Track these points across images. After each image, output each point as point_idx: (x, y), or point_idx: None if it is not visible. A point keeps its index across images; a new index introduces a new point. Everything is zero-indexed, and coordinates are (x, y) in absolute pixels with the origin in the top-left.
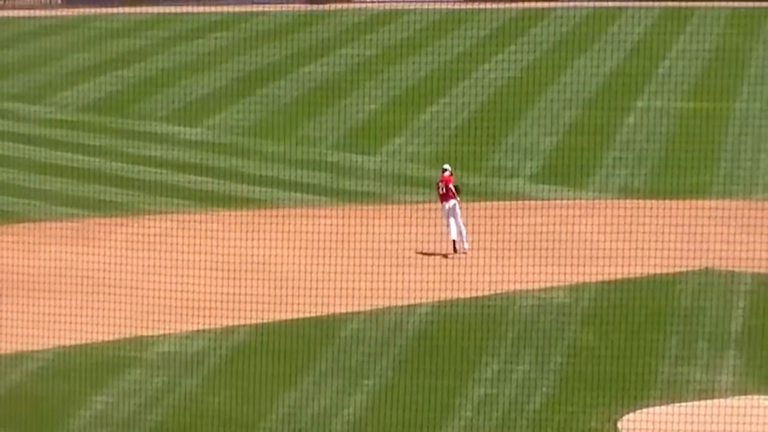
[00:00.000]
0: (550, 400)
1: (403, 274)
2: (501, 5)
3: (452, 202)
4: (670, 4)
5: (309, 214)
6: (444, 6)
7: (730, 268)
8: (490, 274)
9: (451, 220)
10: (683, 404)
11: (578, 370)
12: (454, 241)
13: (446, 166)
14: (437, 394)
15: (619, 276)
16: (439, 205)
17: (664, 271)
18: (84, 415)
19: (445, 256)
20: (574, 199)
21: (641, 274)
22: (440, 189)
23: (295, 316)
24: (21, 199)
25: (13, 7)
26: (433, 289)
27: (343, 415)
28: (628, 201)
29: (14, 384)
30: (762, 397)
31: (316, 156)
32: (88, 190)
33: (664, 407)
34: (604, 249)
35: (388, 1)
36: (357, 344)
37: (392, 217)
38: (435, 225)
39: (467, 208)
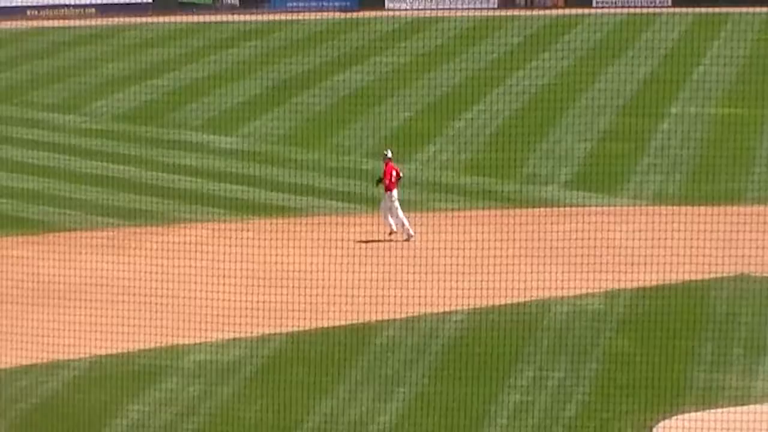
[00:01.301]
0: (585, 406)
1: (437, 281)
2: (534, 12)
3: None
4: (703, 10)
5: (343, 221)
6: (477, 13)
7: (765, 274)
8: (524, 281)
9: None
10: (718, 410)
11: (613, 377)
12: (392, 229)
13: (389, 153)
14: (472, 402)
15: (653, 282)
16: (384, 194)
17: (699, 277)
18: (120, 424)
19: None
20: (609, 205)
21: (676, 280)
22: (391, 177)
23: (330, 324)
24: (56, 208)
25: (48, 17)
26: (468, 296)
27: (377, 423)
28: (662, 207)
29: (50, 393)
30: None
31: (350, 164)
32: (122, 200)
33: (699, 413)
34: (639, 255)
35: (421, 9)
36: (392, 352)
37: (426, 224)
38: (466, 232)
39: (501, 215)
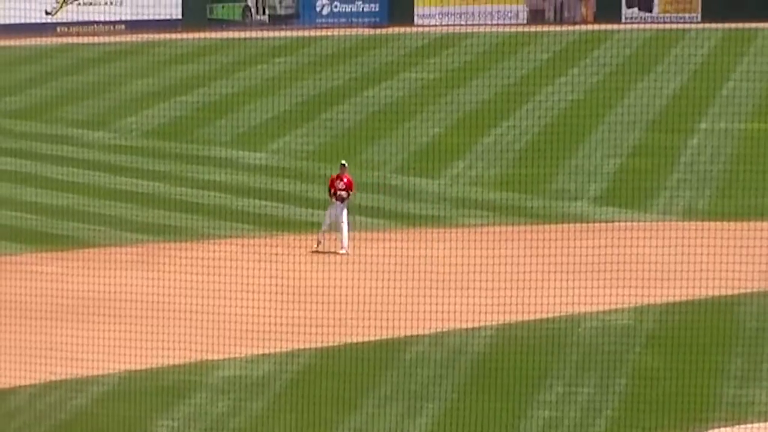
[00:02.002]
0: (614, 422)
1: (465, 296)
2: (563, 28)
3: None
4: (733, 25)
5: (372, 237)
6: (506, 29)
7: None
8: (553, 296)
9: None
10: (747, 426)
11: (642, 392)
12: (322, 236)
13: (345, 162)
14: (501, 417)
15: (682, 298)
16: (334, 203)
17: (728, 292)
18: None
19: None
20: (638, 221)
21: (705, 295)
22: (337, 185)
23: (359, 339)
24: (85, 224)
25: (77, 34)
26: (497, 312)
27: None
28: (691, 222)
29: (79, 409)
30: None
31: (378, 179)
32: (151, 216)
33: (728, 429)
34: (668, 271)
35: (450, 25)
36: (420, 367)
37: (455, 240)
38: (495, 247)
39: (530, 231)
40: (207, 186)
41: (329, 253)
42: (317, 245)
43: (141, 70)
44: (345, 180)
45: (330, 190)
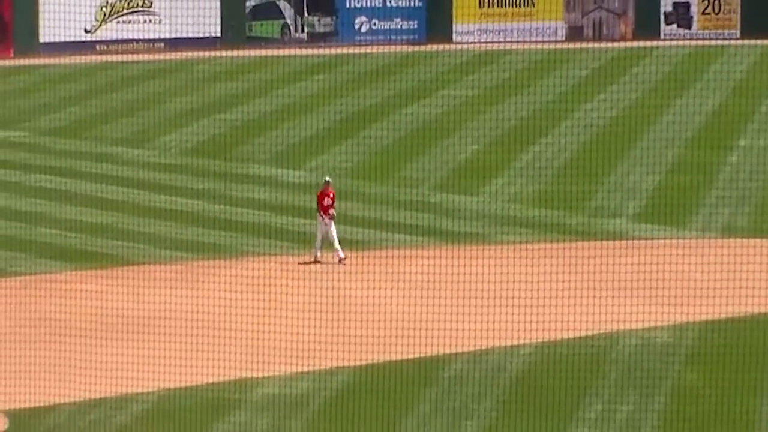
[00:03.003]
0: None
1: (505, 314)
2: (602, 44)
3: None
4: None
5: (411, 254)
6: (545, 46)
7: None
8: (592, 313)
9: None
10: None
11: (682, 410)
12: (319, 251)
13: (329, 178)
14: None
15: (722, 315)
16: (321, 218)
17: None
18: None
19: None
20: (677, 238)
21: (745, 313)
22: (325, 201)
23: (399, 357)
24: (125, 242)
25: (116, 52)
26: (536, 329)
27: None
28: (731, 240)
29: (120, 427)
30: None
31: (418, 197)
32: (191, 233)
33: None
34: (708, 288)
35: (489, 42)
36: (460, 385)
37: (494, 257)
38: (534, 265)
39: (569, 248)
40: (246, 204)
41: (368, 271)
42: (315, 260)
43: (180, 88)
44: (331, 195)
45: (320, 208)
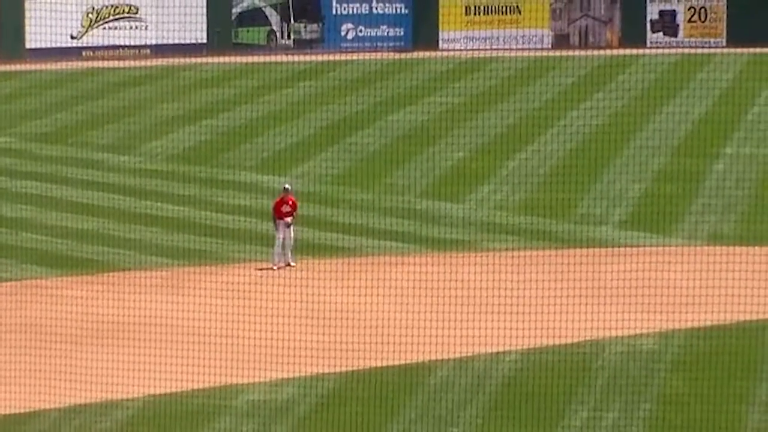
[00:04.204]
0: None
1: (491, 321)
2: (588, 52)
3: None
4: (758, 50)
5: (397, 261)
6: (531, 53)
7: None
8: (578, 321)
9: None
10: None
11: (667, 418)
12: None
13: (288, 185)
14: None
15: (708, 323)
16: (278, 222)
17: (754, 317)
18: None
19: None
20: (663, 245)
21: (731, 320)
22: (283, 208)
23: (383, 363)
24: (110, 248)
25: (103, 58)
26: (522, 336)
27: None
28: (717, 247)
29: None
30: None
31: (403, 204)
32: (177, 240)
33: None
34: (693, 296)
35: (475, 49)
36: (445, 392)
37: (480, 264)
38: (520, 272)
39: (555, 255)
40: (232, 210)
41: (354, 277)
42: (276, 267)
43: (166, 94)
44: (291, 202)
45: (275, 215)
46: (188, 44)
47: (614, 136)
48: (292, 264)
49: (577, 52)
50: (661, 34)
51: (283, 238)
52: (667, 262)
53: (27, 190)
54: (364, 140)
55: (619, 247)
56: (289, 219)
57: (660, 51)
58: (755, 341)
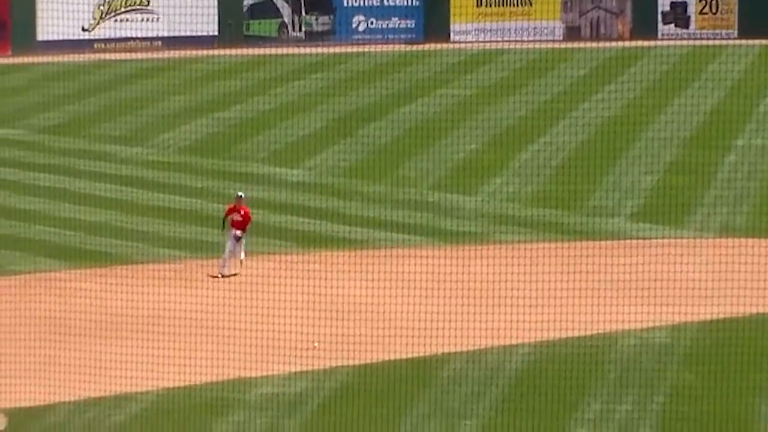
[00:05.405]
0: None
1: (503, 313)
2: (600, 44)
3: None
4: None
5: (409, 254)
6: (542, 45)
7: None
8: (590, 313)
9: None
10: None
11: (680, 410)
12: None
13: (242, 194)
14: None
15: (720, 315)
16: (231, 233)
17: (767, 310)
18: None
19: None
20: (675, 238)
21: (743, 313)
22: (234, 216)
23: (396, 356)
24: (122, 241)
25: (114, 50)
26: (534, 329)
27: None
28: (728, 239)
29: (118, 425)
30: None
31: (415, 196)
32: (189, 232)
33: None
34: (705, 288)
35: (486, 41)
36: (458, 385)
37: (492, 256)
38: (532, 264)
39: (567, 248)
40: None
41: (366, 270)
42: (221, 274)
43: (177, 87)
44: (242, 212)
45: (225, 220)
46: (200, 36)
47: (626, 127)
48: (233, 272)
49: (588, 44)
50: (672, 25)
51: (233, 247)
52: (679, 254)
53: (39, 182)
54: (375, 132)
55: (630, 239)
56: (239, 232)
57: (671, 43)
58: (767, 334)
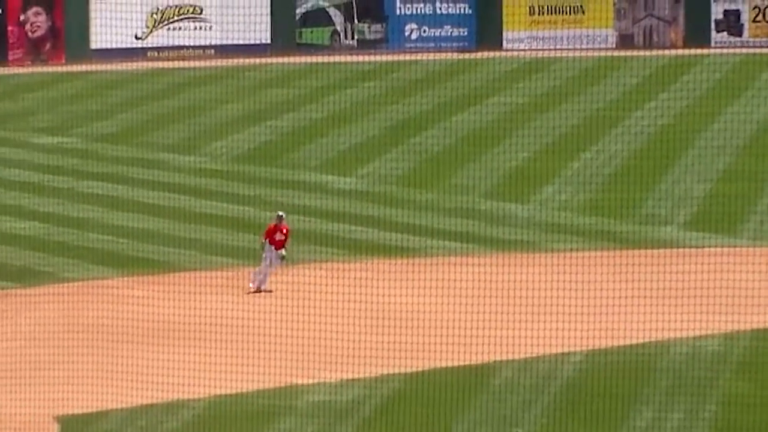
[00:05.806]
0: None
1: (554, 322)
2: (653, 52)
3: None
4: None
5: (461, 262)
6: (595, 53)
7: None
8: (642, 321)
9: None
10: None
11: (732, 419)
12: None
13: (282, 213)
14: None
15: None
16: (272, 252)
17: None
18: None
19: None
20: (728, 246)
21: None
22: (276, 236)
23: (448, 364)
24: (174, 248)
25: (167, 58)
26: (586, 337)
27: None
28: None
29: None
30: None
31: (467, 204)
32: (241, 239)
33: None
34: (758, 297)
35: (539, 49)
36: (509, 392)
37: (544, 264)
38: (584, 272)
39: (619, 256)
40: (295, 210)
41: (417, 278)
42: (259, 287)
43: (230, 95)
44: (285, 231)
45: (267, 241)
46: (252, 44)
47: (678, 136)
48: (252, 288)
49: (641, 52)
50: (725, 33)
51: (268, 266)
52: (732, 262)
53: (92, 190)
54: (427, 140)
55: (683, 247)
56: (282, 251)
57: (724, 51)
58: None
